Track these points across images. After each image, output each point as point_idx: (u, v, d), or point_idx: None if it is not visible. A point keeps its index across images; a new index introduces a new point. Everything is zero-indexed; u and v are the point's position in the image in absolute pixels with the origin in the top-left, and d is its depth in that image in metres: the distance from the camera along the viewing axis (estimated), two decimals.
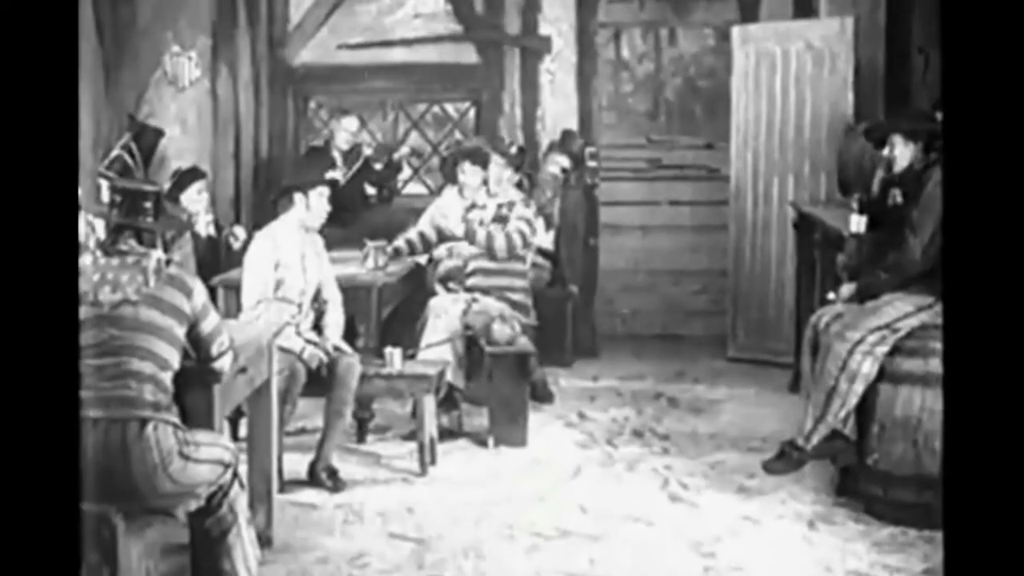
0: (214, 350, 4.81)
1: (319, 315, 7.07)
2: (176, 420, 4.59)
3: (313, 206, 6.89)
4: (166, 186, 8.68)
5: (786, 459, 6.52)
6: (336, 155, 9.74)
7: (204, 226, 8.49)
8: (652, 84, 11.41)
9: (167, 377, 4.62)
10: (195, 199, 8.60)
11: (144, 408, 4.50)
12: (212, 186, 9.41)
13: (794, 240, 9.30)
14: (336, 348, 6.89)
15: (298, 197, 6.89)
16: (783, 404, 8.49)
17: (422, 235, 8.49)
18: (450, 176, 8.91)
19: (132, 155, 8.68)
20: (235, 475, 4.83)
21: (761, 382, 9.23)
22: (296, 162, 10.03)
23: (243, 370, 5.20)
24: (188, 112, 10.24)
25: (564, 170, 9.64)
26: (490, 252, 8.08)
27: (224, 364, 4.86)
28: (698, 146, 11.23)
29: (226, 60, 10.27)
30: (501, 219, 8.17)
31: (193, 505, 4.67)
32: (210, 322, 4.80)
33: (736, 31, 9.95)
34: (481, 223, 8.17)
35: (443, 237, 8.47)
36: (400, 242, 8.40)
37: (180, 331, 4.69)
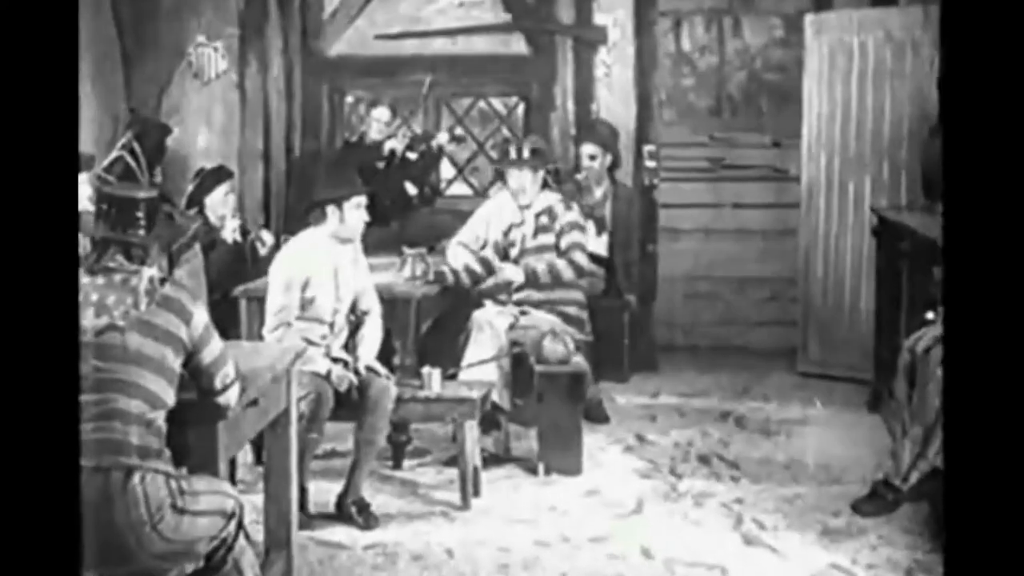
0: (217, 383, 4.11)
1: (355, 329, 6.41)
2: (168, 468, 3.89)
3: (348, 219, 6.23)
4: (189, 187, 8.12)
5: (879, 500, 5.86)
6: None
7: (230, 232, 7.83)
8: (715, 78, 10.67)
9: (159, 416, 3.92)
10: (221, 202, 7.94)
11: (130, 454, 3.81)
12: (239, 187, 8.78)
13: (871, 247, 8.61)
14: (368, 369, 6.22)
15: (331, 210, 6.22)
16: (862, 425, 7.82)
17: (469, 270, 7.66)
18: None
19: (135, 156, 7.98)
20: (240, 526, 4.14)
21: (837, 400, 8.49)
22: (332, 160, 9.43)
23: (254, 402, 4.49)
24: (214, 107, 9.61)
25: (592, 157, 8.87)
26: (556, 283, 7.43)
27: (230, 398, 4.16)
28: (765, 145, 10.50)
29: (255, 51, 9.65)
30: (543, 229, 7.46)
31: (190, 567, 3.98)
32: (212, 351, 4.09)
33: (809, 20, 9.25)
34: (523, 241, 7.47)
35: (490, 271, 7.69)
36: (446, 270, 7.61)
37: (176, 362, 3.99)
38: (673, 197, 10.17)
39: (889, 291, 7.94)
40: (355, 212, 6.23)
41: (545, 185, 7.58)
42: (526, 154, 7.47)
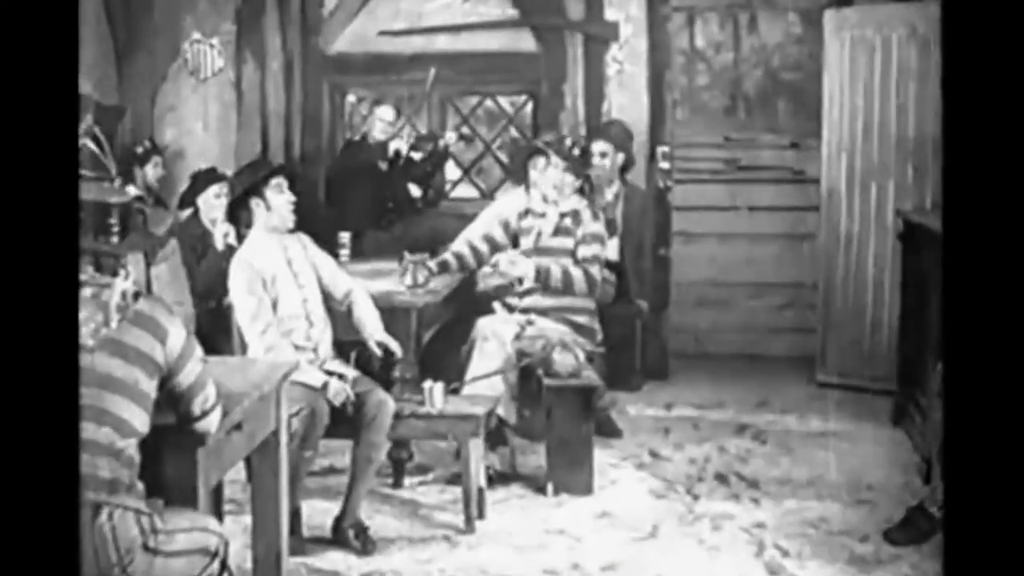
0: (196, 408, 3.74)
1: (348, 313, 6.09)
2: (139, 504, 3.52)
3: (274, 204, 5.88)
4: (182, 188, 7.81)
5: (913, 528, 5.51)
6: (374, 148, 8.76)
7: (221, 238, 7.48)
8: (730, 76, 10.32)
9: (130, 446, 3.54)
10: (212, 204, 7.59)
11: (98, 489, 3.44)
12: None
13: (894, 252, 8.31)
14: (382, 346, 5.92)
15: (254, 202, 5.89)
16: (886, 440, 7.47)
17: (473, 248, 7.35)
18: (518, 172, 7.87)
19: (99, 142, 7.62)
20: (224, 566, 3.77)
21: (858, 413, 8.13)
22: (333, 159, 9.15)
23: (239, 426, 4.13)
24: (210, 106, 9.36)
25: (603, 154, 8.55)
26: (567, 291, 7.03)
27: (210, 424, 3.79)
28: (782, 145, 10.15)
29: (253, 48, 9.36)
30: (564, 231, 7.08)
31: None
32: (190, 372, 3.71)
33: (829, 15, 8.90)
34: (540, 236, 7.09)
35: (496, 249, 7.36)
36: (449, 256, 7.30)
37: (150, 385, 3.61)
38: (686, 199, 9.84)
39: (915, 298, 7.59)
40: (278, 196, 5.89)
41: (579, 191, 7.22)
42: (576, 151, 7.11)
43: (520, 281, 7.05)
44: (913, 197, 8.44)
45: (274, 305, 5.79)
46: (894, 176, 8.60)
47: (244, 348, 6.04)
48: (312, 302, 5.93)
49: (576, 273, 6.98)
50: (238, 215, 6.09)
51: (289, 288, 5.85)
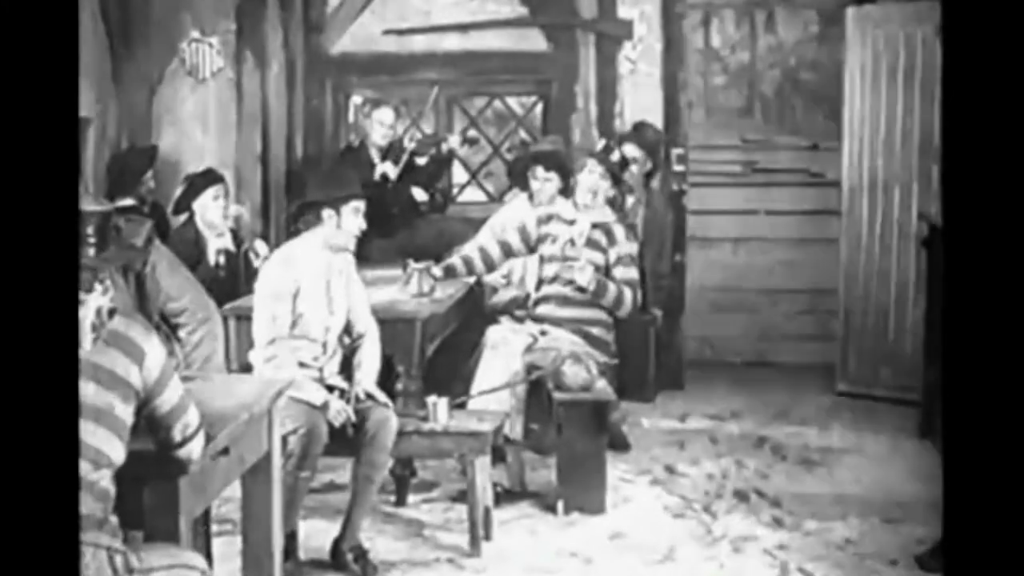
0: (176, 434, 3.46)
1: (351, 352, 5.75)
2: (113, 541, 3.25)
3: (345, 224, 5.53)
4: (178, 191, 7.56)
5: None
6: (373, 154, 8.43)
7: (214, 253, 7.22)
8: (747, 76, 10.09)
9: (104, 477, 3.27)
10: (210, 208, 7.32)
11: None
12: (236, 193, 8.19)
13: (918, 256, 8.12)
14: (368, 395, 5.57)
15: (327, 213, 5.53)
16: (913, 453, 7.24)
17: (483, 251, 7.08)
18: (519, 181, 7.64)
19: None
20: None
21: (882, 424, 7.90)
22: (326, 168, 8.86)
23: (225, 451, 3.85)
24: (209, 108, 9.10)
25: (633, 160, 8.31)
26: (615, 309, 6.76)
27: (191, 451, 3.52)
28: (800, 147, 9.94)
29: (253, 48, 9.12)
30: (594, 244, 6.79)
31: None
32: (169, 397, 3.44)
33: (851, 12, 8.69)
34: (572, 243, 6.79)
35: (509, 254, 7.10)
36: (456, 260, 7.05)
37: (126, 411, 3.33)
38: (702, 203, 9.62)
39: (940, 306, 7.32)
40: (353, 217, 5.56)
41: (611, 202, 6.96)
42: (615, 156, 6.90)
43: (581, 290, 6.73)
44: (937, 200, 8.17)
45: (296, 319, 5.49)
46: (917, 178, 8.41)
47: (242, 357, 5.79)
48: (333, 332, 5.62)
49: (628, 294, 6.72)
50: (301, 217, 5.70)
51: (318, 309, 5.53)
